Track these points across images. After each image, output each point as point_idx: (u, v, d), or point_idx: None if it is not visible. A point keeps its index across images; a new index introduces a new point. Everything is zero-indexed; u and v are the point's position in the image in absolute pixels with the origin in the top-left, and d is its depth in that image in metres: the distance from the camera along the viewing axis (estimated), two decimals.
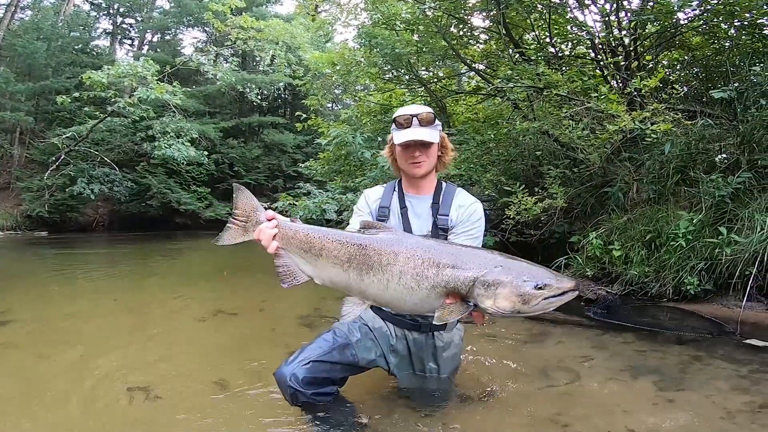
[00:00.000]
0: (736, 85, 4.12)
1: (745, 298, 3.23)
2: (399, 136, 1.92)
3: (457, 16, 6.03)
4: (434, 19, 5.99)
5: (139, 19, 21.91)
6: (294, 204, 6.86)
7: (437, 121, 1.96)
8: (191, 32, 22.44)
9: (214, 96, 19.61)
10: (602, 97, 4.30)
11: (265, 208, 1.80)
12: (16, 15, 16.70)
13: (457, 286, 1.48)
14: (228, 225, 1.81)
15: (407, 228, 1.97)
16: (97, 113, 14.96)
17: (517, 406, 2.21)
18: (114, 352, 3.04)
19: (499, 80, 5.02)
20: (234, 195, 1.80)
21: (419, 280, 1.52)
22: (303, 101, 11.48)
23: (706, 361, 2.78)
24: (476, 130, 6.03)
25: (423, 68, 7.36)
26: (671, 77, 5.21)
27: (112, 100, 13.67)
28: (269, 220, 1.74)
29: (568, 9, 5.49)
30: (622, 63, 4.94)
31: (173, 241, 13.11)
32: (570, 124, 4.39)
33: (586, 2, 5.25)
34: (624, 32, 5.04)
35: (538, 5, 5.30)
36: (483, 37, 6.54)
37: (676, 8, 4.53)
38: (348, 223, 2.11)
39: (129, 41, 22.69)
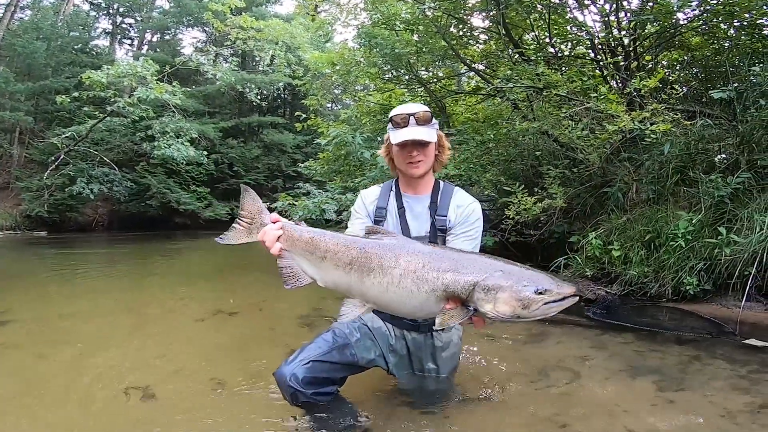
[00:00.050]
0: (735, 85, 4.12)
1: (744, 298, 3.23)
2: (396, 136, 1.89)
3: (456, 16, 6.03)
4: (434, 19, 5.99)
5: (139, 18, 21.92)
6: (293, 204, 6.86)
7: (434, 120, 1.94)
8: (191, 32, 22.50)
9: (213, 96, 19.63)
10: (602, 97, 4.31)
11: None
12: (16, 15, 16.69)
13: (456, 291, 1.48)
14: (233, 225, 1.83)
15: (405, 229, 1.97)
16: (96, 113, 14.96)
17: (516, 405, 2.21)
18: (113, 352, 3.04)
19: (498, 80, 5.02)
20: (241, 197, 1.83)
21: (419, 284, 1.52)
22: (302, 101, 11.49)
23: (705, 361, 2.78)
24: (476, 130, 6.04)
25: (423, 68, 7.36)
26: (671, 77, 5.21)
27: (112, 99, 13.68)
28: (274, 223, 1.75)
29: (568, 9, 5.49)
30: (622, 63, 4.94)
31: (173, 241, 13.10)
32: (569, 125, 4.39)
33: (586, 2, 5.26)
34: (623, 32, 5.05)
35: (538, 5, 5.30)
36: (483, 37, 6.55)
37: (675, 8, 4.53)
38: (347, 226, 2.10)
39: (128, 41, 22.74)
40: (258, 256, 7.26)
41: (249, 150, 19.87)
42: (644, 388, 2.39)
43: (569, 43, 5.96)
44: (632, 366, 2.72)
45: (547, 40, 5.72)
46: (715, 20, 4.62)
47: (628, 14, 5.06)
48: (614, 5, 4.96)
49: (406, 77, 6.97)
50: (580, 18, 5.49)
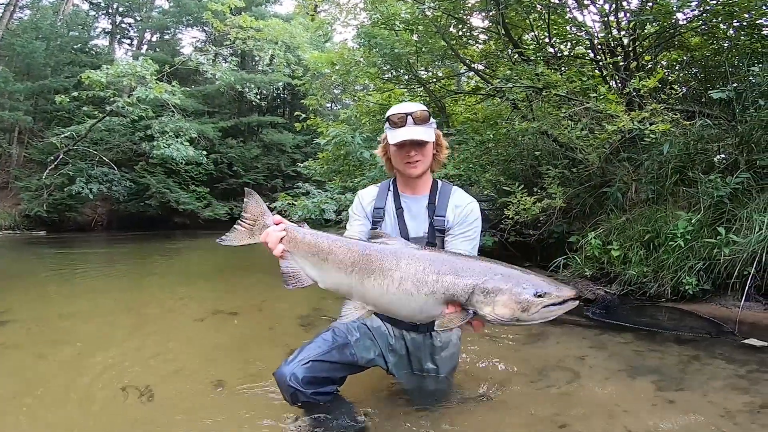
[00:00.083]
0: (734, 85, 4.12)
1: (744, 298, 3.24)
2: (393, 136, 1.86)
3: (456, 16, 6.03)
4: (433, 19, 5.99)
5: (138, 18, 21.90)
6: (293, 204, 6.86)
7: (432, 119, 1.92)
8: (190, 32, 22.50)
9: (213, 96, 19.62)
10: (601, 97, 4.32)
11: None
12: (15, 14, 16.66)
13: (456, 293, 1.49)
14: (235, 226, 1.83)
15: (403, 229, 1.96)
16: (95, 113, 14.93)
17: (516, 405, 2.21)
18: (113, 352, 3.03)
19: (498, 80, 5.02)
20: (245, 199, 1.83)
21: (419, 286, 1.52)
22: (302, 101, 11.49)
23: (704, 360, 2.78)
24: (475, 130, 6.04)
25: (422, 68, 7.37)
26: (670, 77, 5.22)
27: (111, 99, 13.65)
28: (277, 224, 1.76)
29: (567, 9, 5.50)
30: (621, 63, 4.95)
31: (172, 241, 13.09)
32: (569, 124, 4.40)
33: (585, 2, 5.26)
34: (623, 32, 5.05)
35: (537, 5, 5.31)
36: (482, 37, 6.55)
37: (675, 9, 4.53)
38: (346, 227, 2.09)
39: (128, 41, 22.73)
40: (258, 256, 7.27)
41: (248, 150, 19.86)
42: (644, 388, 2.39)
43: (569, 43, 5.97)
44: (632, 366, 2.72)
45: (547, 40, 5.72)
46: (714, 20, 4.63)
47: (628, 14, 5.07)
48: (614, 5, 4.97)
49: (406, 77, 6.98)
50: (580, 18, 5.51)
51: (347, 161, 6.64)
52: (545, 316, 1.45)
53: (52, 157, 14.40)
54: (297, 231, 1.74)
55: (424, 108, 1.89)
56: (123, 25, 22.30)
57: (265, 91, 20.74)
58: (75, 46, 18.45)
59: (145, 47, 21.57)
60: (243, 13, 14.55)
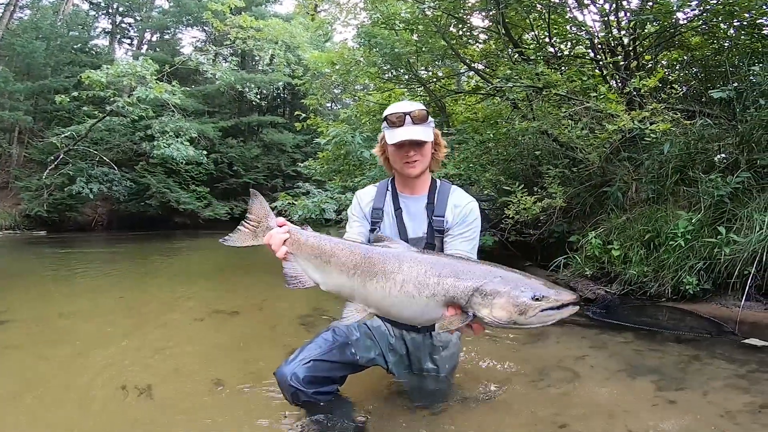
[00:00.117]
0: (735, 85, 4.12)
1: (744, 298, 3.23)
2: (392, 136, 1.84)
3: (456, 15, 6.03)
4: (433, 18, 5.99)
5: (138, 18, 21.90)
6: (293, 203, 6.86)
7: (430, 118, 1.90)
8: (190, 32, 22.50)
9: (213, 95, 19.63)
10: (601, 96, 4.31)
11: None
12: (15, 14, 16.66)
13: (456, 296, 1.49)
14: (239, 227, 1.84)
15: (402, 229, 1.95)
16: (95, 112, 14.93)
17: (516, 405, 2.21)
18: (113, 352, 3.04)
19: (498, 80, 5.02)
20: (250, 200, 1.84)
21: (420, 289, 1.53)
22: (302, 101, 11.48)
23: (705, 360, 2.78)
24: (475, 129, 6.03)
25: (422, 68, 7.37)
26: (670, 77, 5.21)
27: (111, 99, 13.65)
28: (280, 226, 1.76)
29: (568, 9, 5.49)
30: (622, 63, 4.94)
31: (172, 241, 13.09)
32: (569, 124, 4.39)
33: (586, 2, 5.26)
34: (623, 32, 5.05)
35: (538, 5, 5.30)
36: (482, 36, 6.55)
37: (675, 8, 4.53)
38: (347, 230, 2.07)
39: (128, 40, 22.73)
40: (258, 256, 7.26)
41: (248, 149, 19.87)
42: (644, 388, 2.39)
43: (569, 43, 5.96)
44: (632, 366, 2.72)
45: (547, 39, 5.72)
46: (714, 20, 4.62)
47: (628, 14, 5.06)
48: (614, 5, 4.96)
49: (406, 77, 6.97)
50: (580, 17, 5.50)
51: (347, 161, 6.64)
52: (543, 320, 1.44)
53: (53, 157, 14.41)
54: (300, 233, 1.75)
55: (423, 107, 1.88)
56: (123, 25, 22.32)
57: (265, 91, 20.75)
58: (75, 46, 18.45)
59: (145, 47, 21.57)
60: (243, 12, 14.55)
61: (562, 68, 5.33)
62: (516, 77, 4.77)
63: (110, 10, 21.41)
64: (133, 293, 5.41)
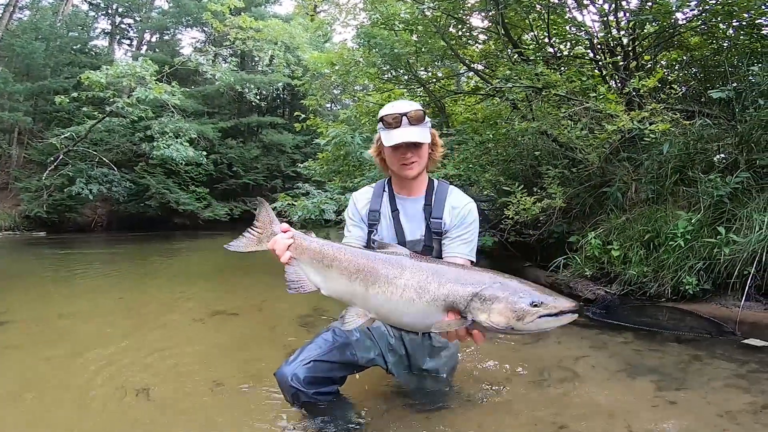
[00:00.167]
0: (734, 85, 4.12)
1: (744, 298, 3.23)
2: (388, 138, 1.81)
3: (455, 16, 6.03)
4: (433, 19, 5.99)
5: (138, 19, 21.89)
6: (293, 204, 6.86)
7: (427, 118, 1.86)
8: (190, 32, 22.47)
9: (212, 96, 19.61)
10: (601, 97, 4.31)
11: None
12: (15, 15, 16.66)
13: (456, 300, 1.50)
14: (244, 234, 1.88)
15: (399, 231, 1.93)
16: (95, 113, 14.92)
17: (516, 406, 2.21)
18: (113, 352, 3.03)
19: (497, 80, 5.02)
20: (257, 209, 1.89)
21: (420, 293, 1.54)
22: (302, 101, 11.48)
23: (705, 360, 2.78)
24: (475, 130, 6.03)
25: (422, 68, 7.36)
26: (670, 77, 5.21)
27: (111, 100, 13.64)
28: (284, 232, 1.79)
29: (567, 9, 5.49)
30: (621, 63, 4.94)
31: (172, 242, 13.09)
32: (569, 124, 4.39)
33: (585, 2, 5.26)
34: (622, 32, 5.05)
35: (537, 5, 5.30)
36: (482, 37, 6.55)
37: (674, 8, 4.53)
38: (345, 234, 2.06)
39: (127, 41, 22.70)
40: (257, 257, 7.23)
41: (248, 150, 19.86)
42: (644, 388, 2.39)
43: (568, 43, 5.96)
44: (632, 366, 2.72)
45: (546, 40, 5.72)
46: (714, 20, 4.62)
47: (627, 14, 5.07)
48: (613, 5, 4.97)
49: (405, 77, 6.97)
50: (579, 18, 5.51)
51: (347, 161, 6.63)
52: (541, 326, 1.46)
53: (52, 158, 14.40)
54: (304, 239, 1.78)
55: (419, 107, 1.85)
56: (122, 26, 22.30)
57: (264, 92, 20.78)
58: (74, 47, 18.44)
59: (144, 48, 21.56)
60: (242, 13, 14.54)
61: (562, 68, 5.33)
62: (515, 78, 4.78)
63: (110, 11, 21.40)
64: (132, 294, 5.41)
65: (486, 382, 2.48)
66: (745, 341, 3.02)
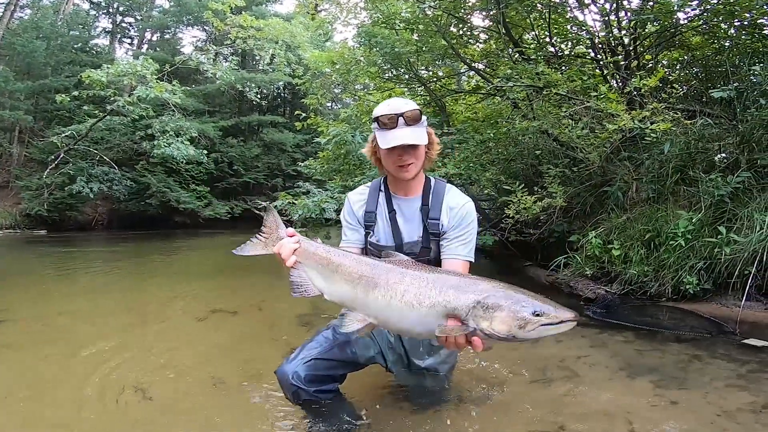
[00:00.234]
0: (735, 84, 4.11)
1: (744, 298, 3.23)
2: (384, 139, 1.75)
3: (456, 15, 6.02)
4: (434, 18, 5.98)
5: (139, 17, 21.91)
6: (293, 203, 6.85)
7: (423, 117, 1.81)
8: (191, 31, 22.48)
9: (213, 95, 19.62)
10: (602, 96, 4.30)
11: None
12: (16, 14, 16.68)
13: (457, 307, 1.51)
14: (251, 239, 1.89)
15: (396, 233, 1.91)
16: (96, 112, 14.94)
17: (516, 405, 2.21)
18: (113, 352, 3.04)
19: (498, 79, 5.01)
20: (264, 215, 1.91)
21: (421, 299, 1.54)
22: (302, 100, 11.49)
23: (705, 360, 2.78)
24: (476, 129, 6.02)
25: (423, 67, 7.36)
26: (671, 77, 5.21)
27: (112, 98, 13.65)
28: (290, 237, 1.79)
29: (568, 8, 5.49)
30: (622, 62, 4.94)
31: (172, 240, 13.09)
32: (569, 124, 4.39)
33: (586, 2, 5.25)
34: (624, 32, 5.04)
35: (538, 5, 5.30)
36: (483, 36, 6.54)
37: (675, 8, 4.52)
38: (342, 238, 2.03)
39: (128, 40, 22.74)
40: (258, 257, 7.25)
41: (249, 149, 19.86)
42: (644, 388, 2.39)
43: (569, 43, 5.96)
44: (632, 365, 2.72)
45: (547, 39, 5.72)
46: (715, 20, 4.61)
47: (629, 13, 5.06)
48: (614, 4, 4.96)
49: (406, 76, 6.97)
50: (581, 17, 5.49)
51: (347, 160, 6.63)
52: (541, 334, 1.47)
53: (53, 157, 14.42)
54: (310, 243, 1.80)
55: (415, 106, 1.79)
56: (123, 25, 22.33)
57: (265, 91, 20.78)
58: (75, 46, 18.45)
59: (145, 46, 21.57)
60: (243, 12, 14.54)
61: (563, 68, 5.33)
62: (516, 77, 4.77)
63: (110, 10, 21.44)
64: (132, 292, 5.41)
65: (486, 381, 2.48)
66: (746, 341, 3.02)
